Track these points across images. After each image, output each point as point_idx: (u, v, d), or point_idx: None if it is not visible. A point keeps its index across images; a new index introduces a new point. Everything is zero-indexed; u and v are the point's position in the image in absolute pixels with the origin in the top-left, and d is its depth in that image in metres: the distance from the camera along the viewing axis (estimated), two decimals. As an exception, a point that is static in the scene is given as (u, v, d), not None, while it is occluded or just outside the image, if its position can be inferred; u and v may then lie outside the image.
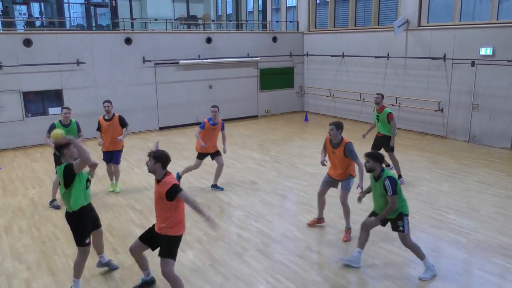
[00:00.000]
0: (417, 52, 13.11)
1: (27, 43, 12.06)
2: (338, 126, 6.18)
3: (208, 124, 8.16)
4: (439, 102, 12.59)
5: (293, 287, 5.13)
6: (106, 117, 8.24)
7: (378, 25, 14.87)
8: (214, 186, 8.62)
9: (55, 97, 12.80)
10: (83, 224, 5.03)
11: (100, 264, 5.58)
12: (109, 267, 5.62)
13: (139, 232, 6.68)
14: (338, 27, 16.46)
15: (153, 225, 4.87)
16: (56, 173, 5.12)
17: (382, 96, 8.68)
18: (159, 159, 4.56)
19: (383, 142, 8.62)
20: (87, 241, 5.06)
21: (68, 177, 4.80)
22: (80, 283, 5.11)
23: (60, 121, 7.74)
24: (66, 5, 21.94)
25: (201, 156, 8.39)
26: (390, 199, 5.09)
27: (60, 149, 4.93)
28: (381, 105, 8.60)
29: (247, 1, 22.77)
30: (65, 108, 7.79)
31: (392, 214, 5.22)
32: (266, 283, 5.24)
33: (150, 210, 7.63)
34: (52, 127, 7.54)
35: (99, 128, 8.31)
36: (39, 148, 12.31)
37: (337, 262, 5.67)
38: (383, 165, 5.33)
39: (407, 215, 5.25)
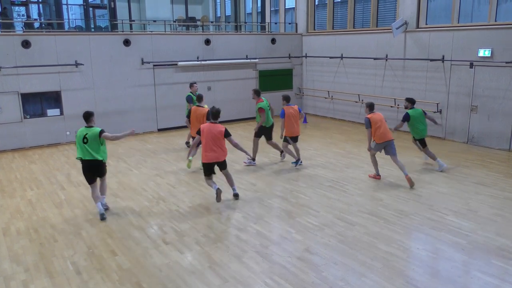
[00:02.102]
0: (416, 53, 13.13)
1: (26, 44, 12.04)
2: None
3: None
4: (437, 103, 12.60)
5: (292, 289, 5.13)
6: None
7: (376, 26, 14.88)
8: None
9: (53, 98, 12.78)
10: None
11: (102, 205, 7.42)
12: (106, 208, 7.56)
13: (138, 234, 6.70)
14: (337, 29, 16.47)
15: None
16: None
17: (256, 91, 10.22)
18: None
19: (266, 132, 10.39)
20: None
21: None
22: (100, 205, 7.28)
23: (191, 93, 11.30)
24: (64, 7, 21.95)
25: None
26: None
27: (90, 116, 7.11)
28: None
29: (245, 3, 22.79)
30: (195, 83, 11.65)
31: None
32: (265, 285, 5.22)
33: (149, 212, 7.62)
34: (190, 98, 11.09)
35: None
36: (37, 150, 12.29)
37: (336, 264, 5.66)
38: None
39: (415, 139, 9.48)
